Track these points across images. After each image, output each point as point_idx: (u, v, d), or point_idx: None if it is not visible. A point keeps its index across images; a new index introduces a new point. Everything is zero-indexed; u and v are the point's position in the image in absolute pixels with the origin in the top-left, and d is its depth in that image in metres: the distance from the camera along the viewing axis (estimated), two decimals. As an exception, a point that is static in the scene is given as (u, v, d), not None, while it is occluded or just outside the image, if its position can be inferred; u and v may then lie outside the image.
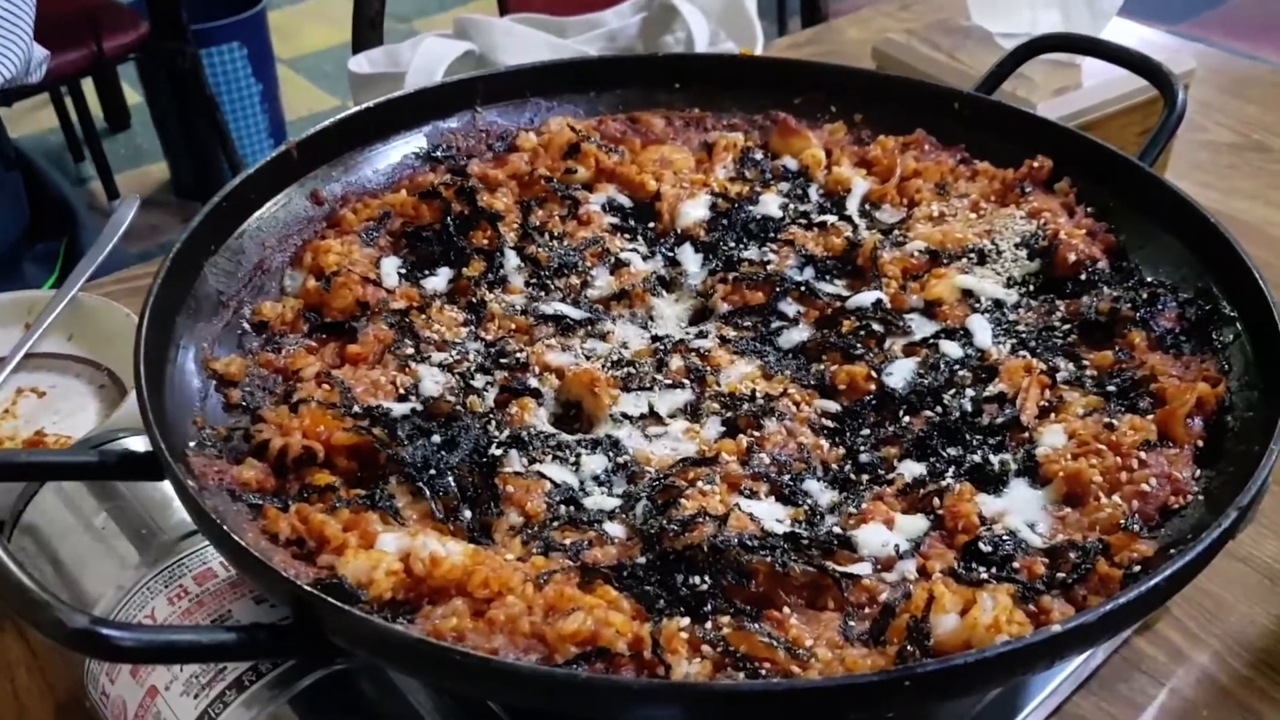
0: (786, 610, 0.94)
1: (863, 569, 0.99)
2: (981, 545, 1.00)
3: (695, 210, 1.46)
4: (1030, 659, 0.82)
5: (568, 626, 0.87)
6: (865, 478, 1.12)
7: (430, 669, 0.84)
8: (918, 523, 1.04)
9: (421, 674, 0.91)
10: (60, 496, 1.19)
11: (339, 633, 0.85)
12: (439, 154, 1.50)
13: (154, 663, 0.99)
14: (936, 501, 1.06)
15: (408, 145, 1.50)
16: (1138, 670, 1.29)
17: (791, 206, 1.48)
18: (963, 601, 0.91)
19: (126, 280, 1.91)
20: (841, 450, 1.15)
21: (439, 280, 1.35)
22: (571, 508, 1.06)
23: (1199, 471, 1.07)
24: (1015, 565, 0.98)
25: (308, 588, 0.86)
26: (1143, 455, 1.06)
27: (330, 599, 0.85)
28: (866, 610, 0.95)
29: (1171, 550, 0.96)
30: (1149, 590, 0.85)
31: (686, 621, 0.91)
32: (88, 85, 4.96)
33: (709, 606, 0.94)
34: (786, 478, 1.10)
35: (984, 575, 0.97)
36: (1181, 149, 2.25)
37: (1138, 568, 0.96)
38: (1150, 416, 1.11)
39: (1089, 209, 1.40)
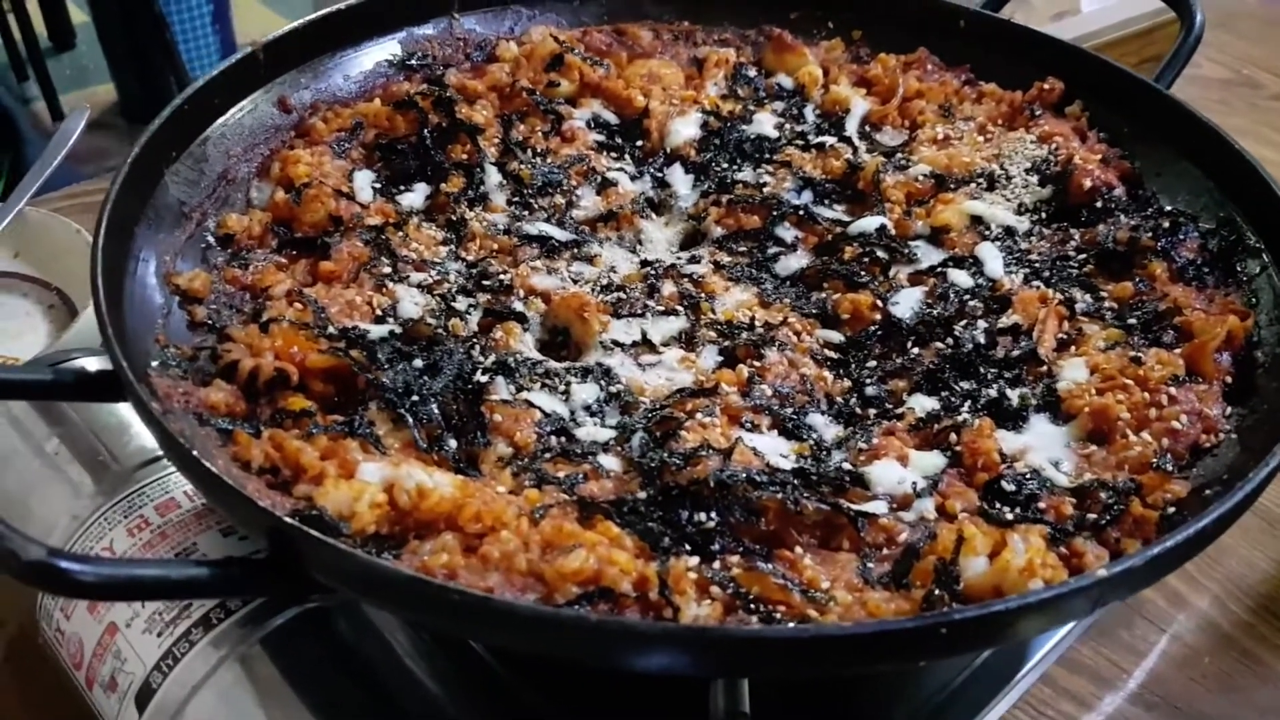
0: (799, 550, 0.88)
1: (878, 507, 0.93)
2: (1004, 484, 0.94)
3: (686, 129, 1.38)
4: (1074, 605, 0.77)
5: (569, 564, 0.80)
6: (872, 412, 1.06)
7: (423, 608, 0.77)
8: (934, 459, 0.98)
9: (413, 613, 0.84)
10: (7, 420, 1.10)
11: (322, 568, 0.78)
12: (414, 62, 1.41)
13: (118, 599, 0.92)
14: (953, 437, 0.99)
15: (381, 52, 1.40)
16: (1139, 616, 1.25)
17: (787, 126, 1.40)
18: (991, 543, 0.85)
19: (77, 196, 1.80)
20: (846, 383, 1.09)
21: (416, 196, 1.26)
22: (563, 439, 0.99)
23: (1229, 409, 1.01)
24: (1041, 505, 0.92)
25: (288, 519, 0.79)
26: (1172, 391, 1.00)
27: (312, 531, 0.78)
28: (885, 551, 0.89)
29: (1206, 491, 0.91)
30: (1197, 533, 0.80)
31: (694, 561, 0.84)
32: (31, 1, 4.76)
33: (717, 545, 0.88)
34: (789, 411, 1.04)
35: (1009, 515, 0.91)
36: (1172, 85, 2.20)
37: (1171, 509, 0.91)
38: (1177, 351, 1.05)
39: (1102, 134, 1.34)
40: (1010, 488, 0.94)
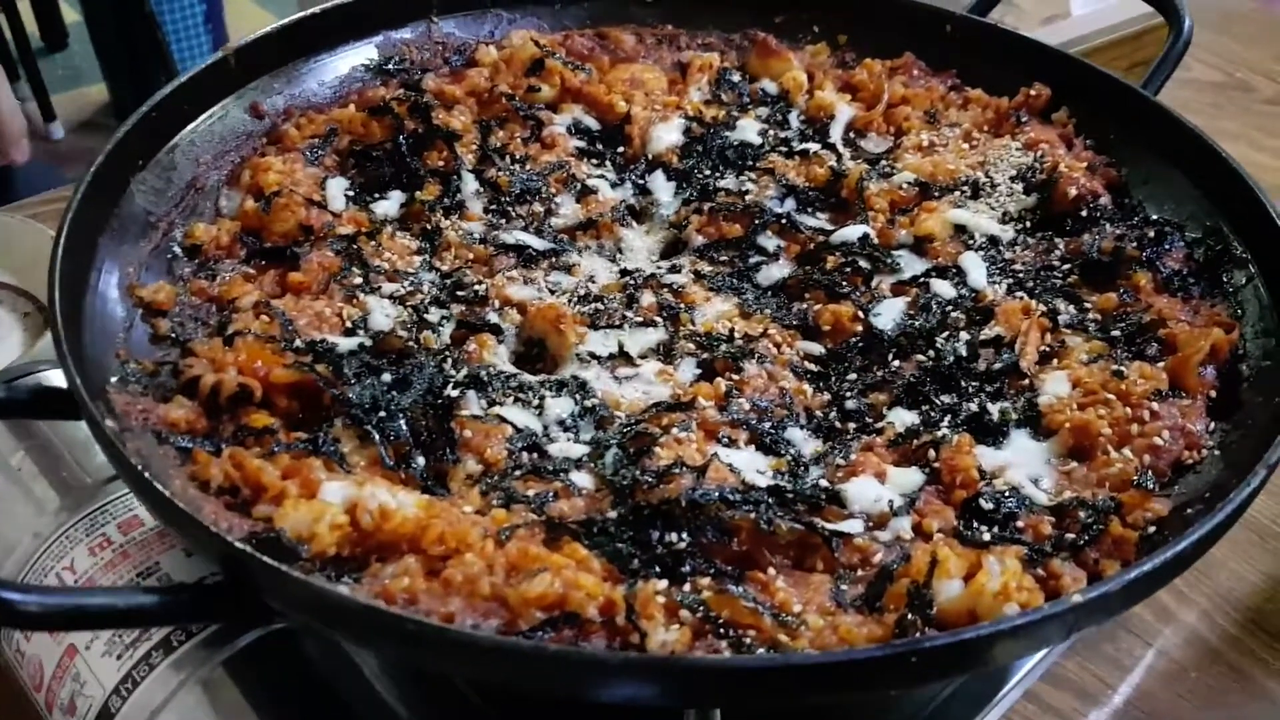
0: (771, 571, 0.86)
1: (854, 526, 0.90)
2: (982, 502, 0.92)
3: (668, 134, 1.36)
4: (1047, 632, 0.75)
5: (533, 589, 0.78)
6: (852, 426, 1.04)
7: (379, 637, 0.75)
8: (912, 476, 0.96)
9: (369, 643, 0.82)
10: (-29, 434, 1.09)
11: (275, 595, 0.76)
12: (391, 67, 1.39)
13: (63, 629, 0.90)
14: (932, 454, 0.97)
15: (357, 56, 1.38)
16: (1124, 629, 1.23)
17: (771, 133, 1.38)
18: (966, 565, 0.83)
19: (55, 202, 1.78)
20: (826, 396, 1.07)
21: (390, 204, 1.24)
22: (535, 455, 0.97)
23: (1213, 424, 0.99)
24: (1019, 525, 0.91)
25: (239, 544, 0.76)
26: (1154, 406, 0.98)
27: (265, 557, 0.75)
28: (859, 572, 0.87)
29: (1188, 510, 0.89)
30: (1175, 556, 0.78)
31: (664, 584, 0.82)
32: (22, 0, 4.74)
33: (687, 567, 0.85)
34: (767, 425, 1.02)
35: (986, 536, 0.89)
36: (1164, 88, 2.17)
37: (1152, 528, 0.89)
38: (1161, 364, 1.03)
39: (1088, 141, 1.32)
40: (988, 506, 0.92)
